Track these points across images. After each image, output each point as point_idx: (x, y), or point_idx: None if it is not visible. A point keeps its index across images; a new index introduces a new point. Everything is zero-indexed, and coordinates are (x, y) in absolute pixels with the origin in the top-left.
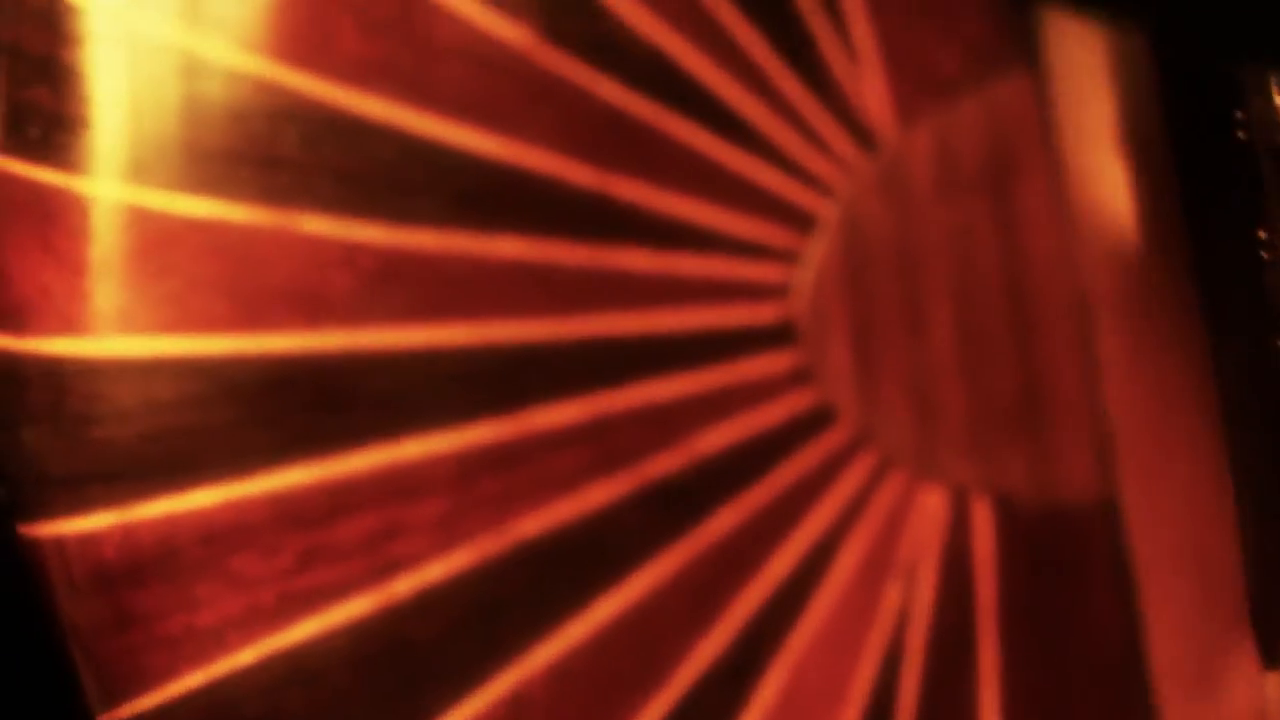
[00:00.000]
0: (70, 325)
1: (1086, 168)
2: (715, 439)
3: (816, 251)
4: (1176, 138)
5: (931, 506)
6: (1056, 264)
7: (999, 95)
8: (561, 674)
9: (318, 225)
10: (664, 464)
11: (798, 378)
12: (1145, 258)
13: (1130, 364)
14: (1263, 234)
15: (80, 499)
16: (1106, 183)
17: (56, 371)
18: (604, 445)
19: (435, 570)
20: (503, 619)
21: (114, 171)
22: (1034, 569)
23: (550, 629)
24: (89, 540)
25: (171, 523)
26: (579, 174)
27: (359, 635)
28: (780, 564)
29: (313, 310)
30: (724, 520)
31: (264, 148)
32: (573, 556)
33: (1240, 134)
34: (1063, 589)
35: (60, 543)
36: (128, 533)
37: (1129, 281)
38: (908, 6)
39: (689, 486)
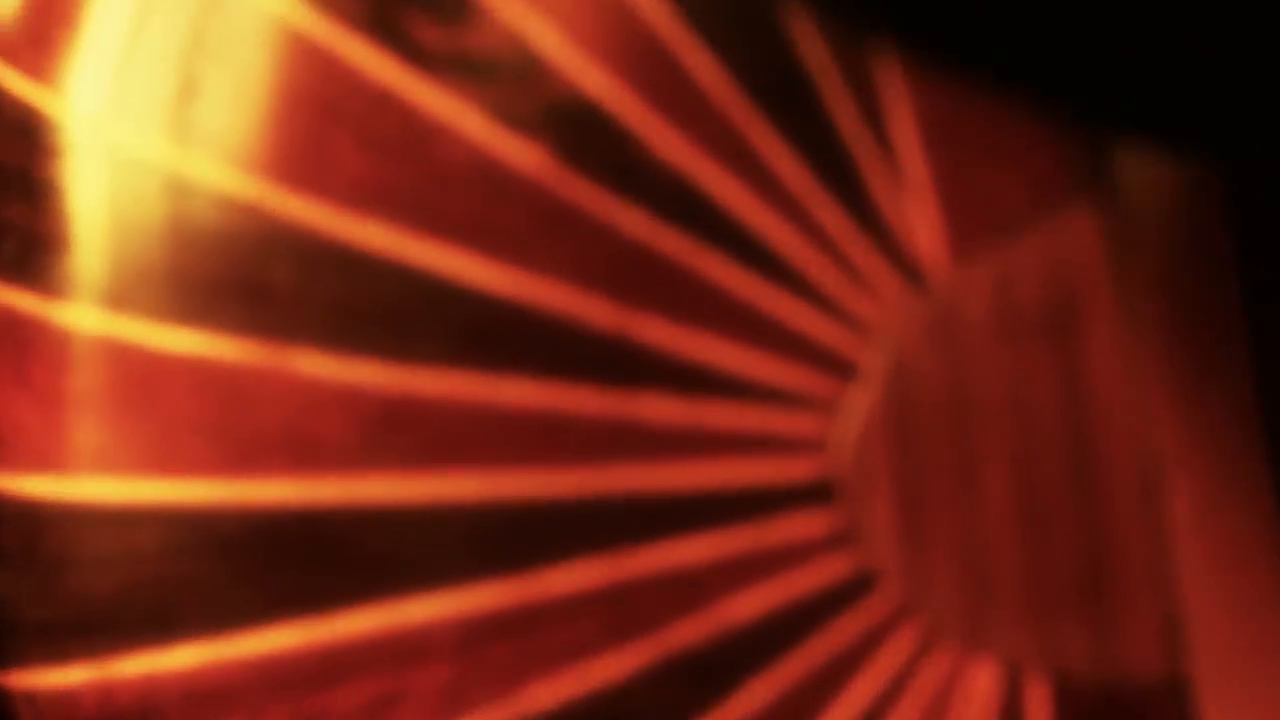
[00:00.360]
0: (47, 463)
1: (1154, 310)
2: (744, 606)
3: (859, 402)
4: (1245, 271)
5: (982, 683)
6: (1123, 418)
7: (1062, 233)
8: None
9: (313, 363)
10: (688, 632)
11: (836, 540)
12: (1214, 407)
13: (1200, 527)
14: None
15: (56, 650)
16: (1173, 324)
17: (32, 513)
18: (623, 611)
19: None
20: None
21: (94, 297)
22: None
23: None
24: (65, 695)
25: (153, 682)
26: (597, 312)
27: None
28: None
29: (307, 457)
30: (754, 695)
31: (255, 277)
32: None
33: None
34: None
35: (33, 696)
36: (106, 690)
37: (1198, 435)
38: (965, 135)
39: (715, 657)
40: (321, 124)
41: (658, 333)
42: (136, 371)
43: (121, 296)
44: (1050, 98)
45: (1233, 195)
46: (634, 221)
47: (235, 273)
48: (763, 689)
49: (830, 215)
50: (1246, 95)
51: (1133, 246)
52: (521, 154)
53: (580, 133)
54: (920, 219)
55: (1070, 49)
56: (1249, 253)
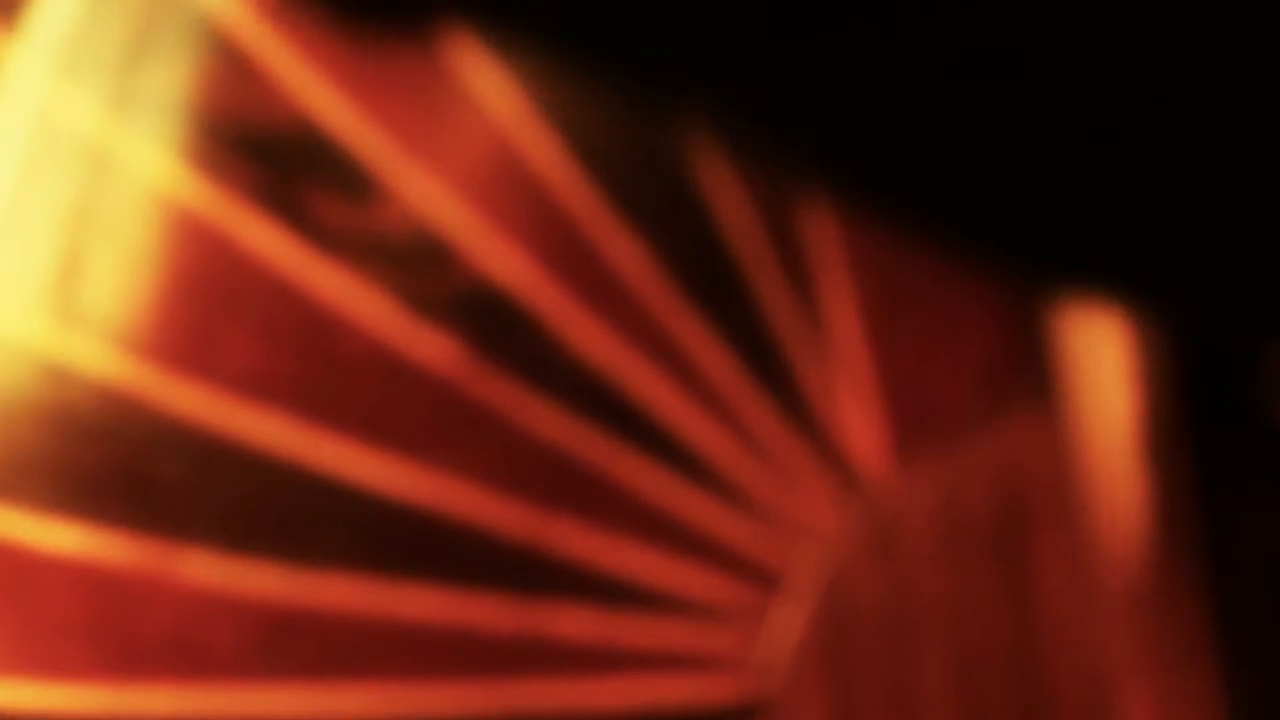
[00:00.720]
0: None
1: (1106, 510)
2: None
3: (790, 616)
4: (1202, 439)
5: None
6: (1073, 636)
7: (1010, 434)
8: None
9: (203, 566)
10: None
11: None
12: (1167, 607)
13: None
14: None
15: None
16: (1127, 533)
17: None
18: None
19: None
20: None
21: None
22: None
23: None
24: None
25: None
26: (508, 518)
27: None
28: None
29: (195, 665)
30: None
31: (141, 471)
32: None
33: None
34: None
35: None
36: None
37: (1151, 648)
38: (908, 327)
39: None
40: (214, 308)
41: (572, 540)
42: (13, 567)
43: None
44: (995, 245)
45: (1184, 343)
46: (548, 420)
47: (120, 465)
48: None
49: (760, 413)
50: (1202, 249)
51: (1085, 446)
52: (429, 345)
53: (492, 323)
54: (859, 418)
55: (1017, 196)
56: (1207, 439)
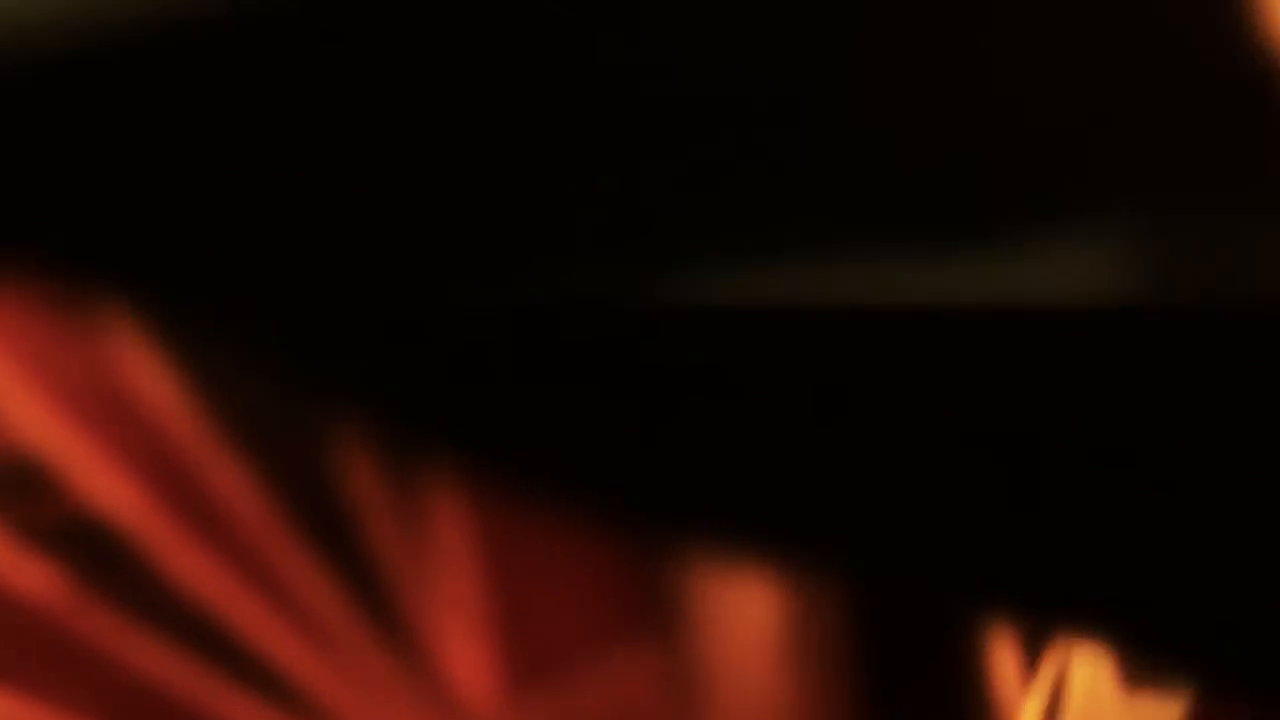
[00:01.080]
0: None
1: None
2: None
3: None
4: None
5: None
6: None
7: (628, 671)
8: None
9: None
10: None
11: None
12: None
13: None
14: None
15: None
16: None
17: None
18: None
19: None
20: None
21: None
22: None
23: None
24: None
25: None
26: None
27: None
28: None
29: None
30: None
31: None
32: None
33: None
34: None
35: None
36: None
37: None
38: (523, 564)
39: None
40: None
41: None
42: None
43: None
44: (631, 514)
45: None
46: (150, 653)
47: None
48: None
49: (367, 648)
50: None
51: (709, 689)
52: (27, 575)
53: (94, 553)
54: (469, 652)
55: (649, 458)
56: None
